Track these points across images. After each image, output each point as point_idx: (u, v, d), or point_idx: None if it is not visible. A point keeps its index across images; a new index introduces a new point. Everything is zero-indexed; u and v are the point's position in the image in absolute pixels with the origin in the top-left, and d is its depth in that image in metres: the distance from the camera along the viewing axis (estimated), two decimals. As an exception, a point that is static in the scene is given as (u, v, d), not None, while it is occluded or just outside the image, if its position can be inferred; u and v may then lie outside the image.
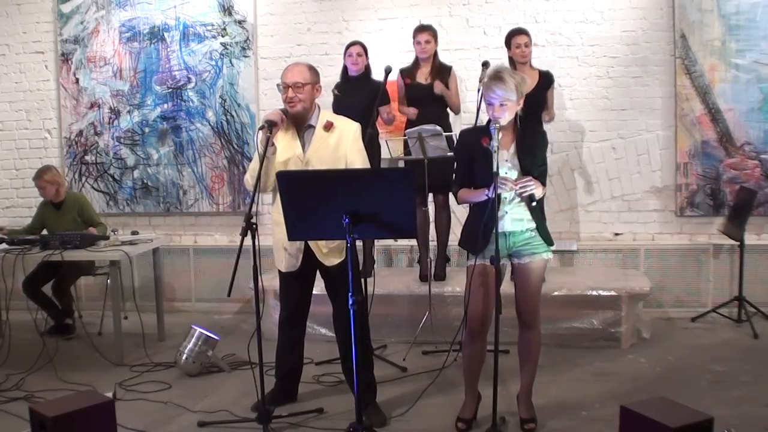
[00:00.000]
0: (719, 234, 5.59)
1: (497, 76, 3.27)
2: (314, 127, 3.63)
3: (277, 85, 3.64)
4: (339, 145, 3.61)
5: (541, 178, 3.39)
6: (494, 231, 3.24)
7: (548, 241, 3.44)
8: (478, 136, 3.41)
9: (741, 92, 5.55)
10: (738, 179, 5.61)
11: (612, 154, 5.85)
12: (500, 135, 3.31)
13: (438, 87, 5.10)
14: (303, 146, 3.62)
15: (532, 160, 3.37)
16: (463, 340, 3.55)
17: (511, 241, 3.40)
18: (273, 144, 3.49)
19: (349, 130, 3.66)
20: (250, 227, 3.19)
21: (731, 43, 5.53)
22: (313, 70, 3.66)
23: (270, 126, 3.43)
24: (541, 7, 5.82)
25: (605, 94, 5.82)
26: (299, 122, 3.63)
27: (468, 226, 3.50)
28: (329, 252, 3.64)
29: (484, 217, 3.25)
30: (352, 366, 3.20)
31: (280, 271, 3.79)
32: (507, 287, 3.58)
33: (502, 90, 3.25)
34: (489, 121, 3.40)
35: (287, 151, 3.59)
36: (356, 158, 3.62)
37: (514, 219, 3.37)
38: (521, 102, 3.34)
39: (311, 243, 3.63)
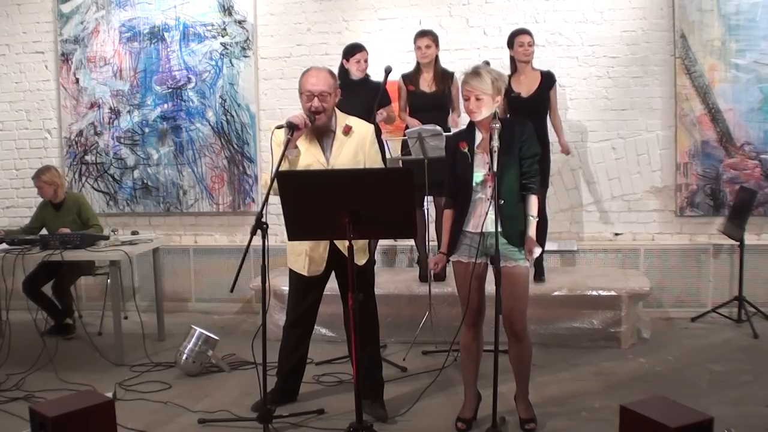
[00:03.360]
0: (719, 234, 5.58)
1: (474, 71, 3.34)
2: (334, 132, 3.61)
3: (300, 93, 3.56)
4: (358, 150, 3.61)
5: (531, 179, 3.36)
6: (494, 231, 3.21)
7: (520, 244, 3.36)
8: (457, 140, 3.44)
9: (741, 92, 5.55)
10: (738, 179, 5.61)
11: (612, 154, 5.85)
12: (480, 138, 3.36)
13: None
14: (324, 151, 3.59)
15: (511, 161, 3.31)
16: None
17: (488, 241, 3.35)
18: (296, 146, 3.44)
19: (366, 133, 3.66)
20: (260, 227, 3.15)
21: (731, 43, 5.53)
22: (333, 75, 3.62)
23: (291, 129, 3.37)
24: (541, 7, 5.83)
25: (605, 94, 5.81)
26: (321, 128, 3.59)
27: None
28: (356, 252, 3.58)
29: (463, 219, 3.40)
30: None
31: (296, 275, 3.74)
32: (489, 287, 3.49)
33: (476, 82, 3.29)
34: (470, 123, 3.41)
35: (307, 157, 3.55)
36: (376, 160, 3.65)
37: (493, 219, 3.28)
38: (498, 99, 3.33)
39: (339, 244, 3.59)
